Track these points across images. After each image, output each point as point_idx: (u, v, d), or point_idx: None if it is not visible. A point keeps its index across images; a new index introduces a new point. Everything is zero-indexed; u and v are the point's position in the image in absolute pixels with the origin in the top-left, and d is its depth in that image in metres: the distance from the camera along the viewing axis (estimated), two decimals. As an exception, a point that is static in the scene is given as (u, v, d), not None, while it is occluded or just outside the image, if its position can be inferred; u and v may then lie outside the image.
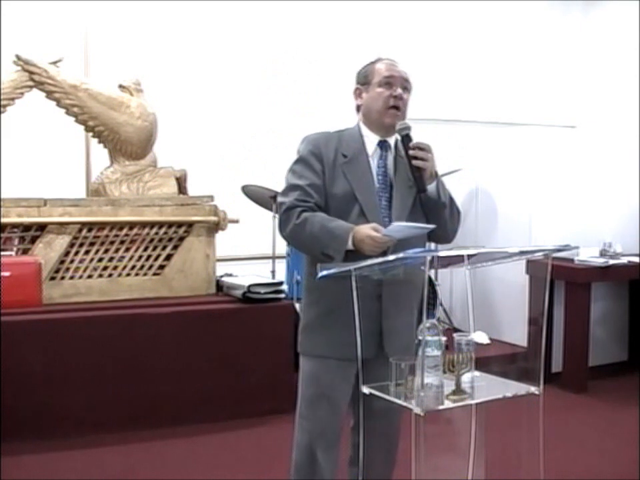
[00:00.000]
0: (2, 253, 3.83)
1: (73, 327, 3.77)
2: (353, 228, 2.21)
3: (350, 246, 2.20)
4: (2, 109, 4.11)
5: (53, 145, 4.97)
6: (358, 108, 2.46)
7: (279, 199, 2.38)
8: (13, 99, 4.15)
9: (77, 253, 4.08)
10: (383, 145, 2.40)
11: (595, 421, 4.09)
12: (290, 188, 2.34)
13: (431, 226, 2.24)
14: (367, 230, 2.18)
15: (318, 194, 2.31)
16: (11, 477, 3.17)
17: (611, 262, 4.68)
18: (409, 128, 2.32)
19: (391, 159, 2.39)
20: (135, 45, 5.24)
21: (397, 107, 2.35)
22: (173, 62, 5.35)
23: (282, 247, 4.79)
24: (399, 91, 2.35)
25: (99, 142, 4.48)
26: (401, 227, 2.17)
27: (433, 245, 4.88)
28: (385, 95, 2.35)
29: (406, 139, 2.30)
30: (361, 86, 2.43)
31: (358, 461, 2.44)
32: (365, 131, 2.41)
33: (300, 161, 2.37)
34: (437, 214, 2.35)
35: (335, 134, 2.42)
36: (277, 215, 2.39)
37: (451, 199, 2.41)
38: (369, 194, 2.31)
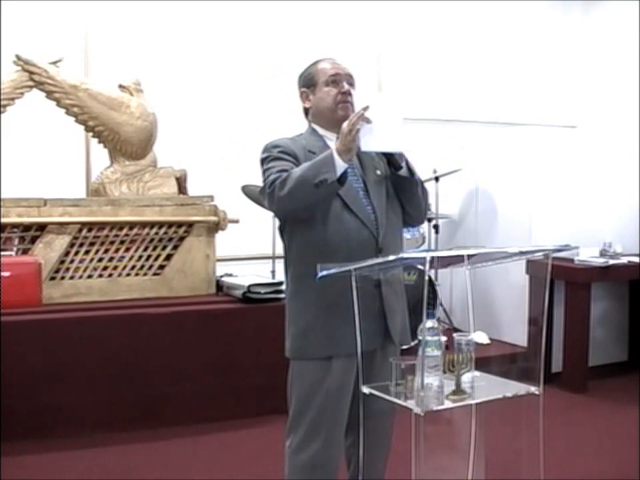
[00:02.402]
0: (2, 253, 3.83)
1: (73, 326, 3.77)
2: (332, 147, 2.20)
3: (338, 160, 2.14)
4: (2, 109, 4.11)
5: (53, 145, 4.97)
6: (306, 111, 2.46)
7: (259, 190, 2.32)
8: (13, 99, 4.15)
9: (77, 253, 4.09)
10: None
11: (595, 421, 4.09)
12: (273, 174, 2.25)
13: (401, 99, 2.22)
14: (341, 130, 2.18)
15: None
16: (11, 477, 3.17)
17: (611, 262, 4.67)
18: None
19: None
20: (135, 45, 5.24)
21: (346, 101, 2.35)
22: (173, 62, 5.35)
23: (282, 247, 4.79)
24: (347, 86, 2.37)
25: (99, 142, 4.48)
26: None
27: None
28: (333, 92, 2.36)
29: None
30: (306, 89, 2.42)
31: (351, 460, 2.45)
32: (322, 131, 2.41)
33: (273, 159, 2.31)
34: (412, 193, 2.37)
35: (294, 137, 2.42)
36: (265, 200, 2.29)
37: (419, 178, 2.41)
38: (347, 186, 2.27)
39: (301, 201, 2.20)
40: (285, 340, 2.43)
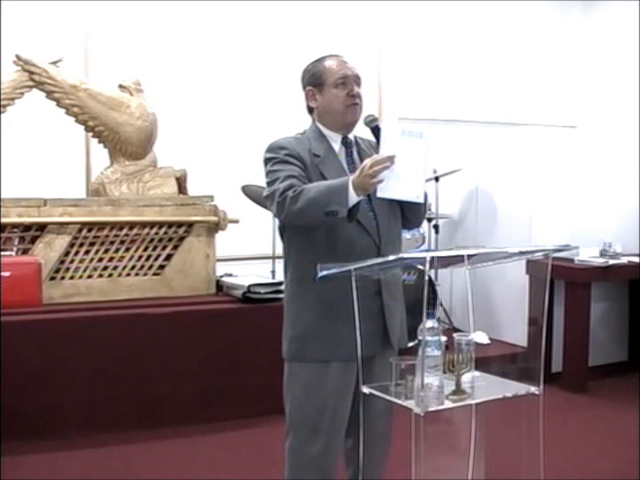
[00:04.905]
0: (2, 253, 3.83)
1: (73, 327, 3.77)
2: (349, 177, 2.17)
3: (353, 194, 2.12)
4: (2, 109, 4.12)
5: (53, 145, 4.97)
6: (311, 109, 2.43)
7: (266, 192, 2.28)
8: (13, 99, 4.15)
9: (77, 253, 4.09)
10: (345, 142, 2.40)
11: (595, 421, 4.09)
12: (282, 179, 2.23)
13: (423, 131, 2.19)
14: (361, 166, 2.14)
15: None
16: (11, 477, 3.17)
17: (611, 262, 4.67)
18: (376, 119, 2.32)
19: (356, 155, 2.40)
20: (135, 45, 5.24)
21: (356, 103, 2.35)
22: (173, 62, 5.35)
23: (282, 248, 4.79)
24: (356, 89, 2.35)
25: (99, 142, 4.48)
26: (392, 133, 2.15)
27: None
28: (342, 95, 2.34)
29: (376, 130, 2.28)
30: (313, 87, 2.39)
31: (351, 462, 2.45)
32: (326, 131, 2.39)
33: (278, 162, 2.28)
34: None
35: (299, 136, 2.40)
36: (272, 206, 2.26)
37: None
38: None
39: (309, 220, 2.22)
40: (282, 341, 2.42)
